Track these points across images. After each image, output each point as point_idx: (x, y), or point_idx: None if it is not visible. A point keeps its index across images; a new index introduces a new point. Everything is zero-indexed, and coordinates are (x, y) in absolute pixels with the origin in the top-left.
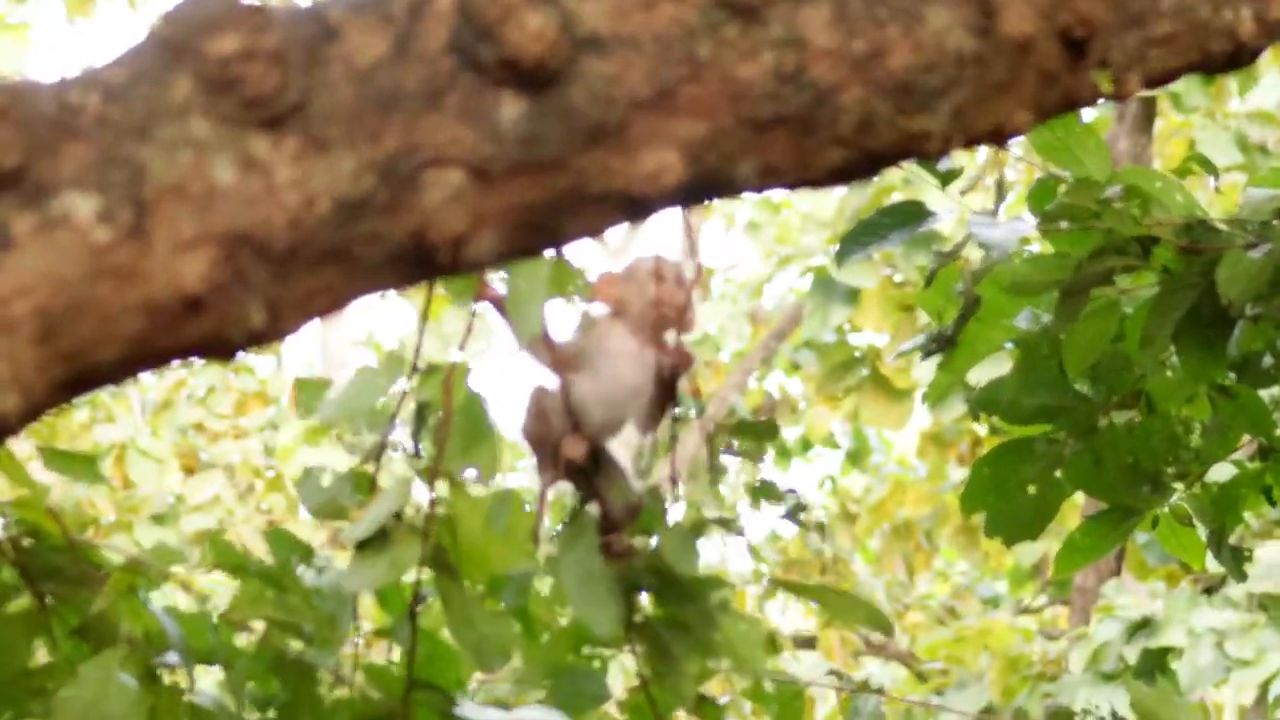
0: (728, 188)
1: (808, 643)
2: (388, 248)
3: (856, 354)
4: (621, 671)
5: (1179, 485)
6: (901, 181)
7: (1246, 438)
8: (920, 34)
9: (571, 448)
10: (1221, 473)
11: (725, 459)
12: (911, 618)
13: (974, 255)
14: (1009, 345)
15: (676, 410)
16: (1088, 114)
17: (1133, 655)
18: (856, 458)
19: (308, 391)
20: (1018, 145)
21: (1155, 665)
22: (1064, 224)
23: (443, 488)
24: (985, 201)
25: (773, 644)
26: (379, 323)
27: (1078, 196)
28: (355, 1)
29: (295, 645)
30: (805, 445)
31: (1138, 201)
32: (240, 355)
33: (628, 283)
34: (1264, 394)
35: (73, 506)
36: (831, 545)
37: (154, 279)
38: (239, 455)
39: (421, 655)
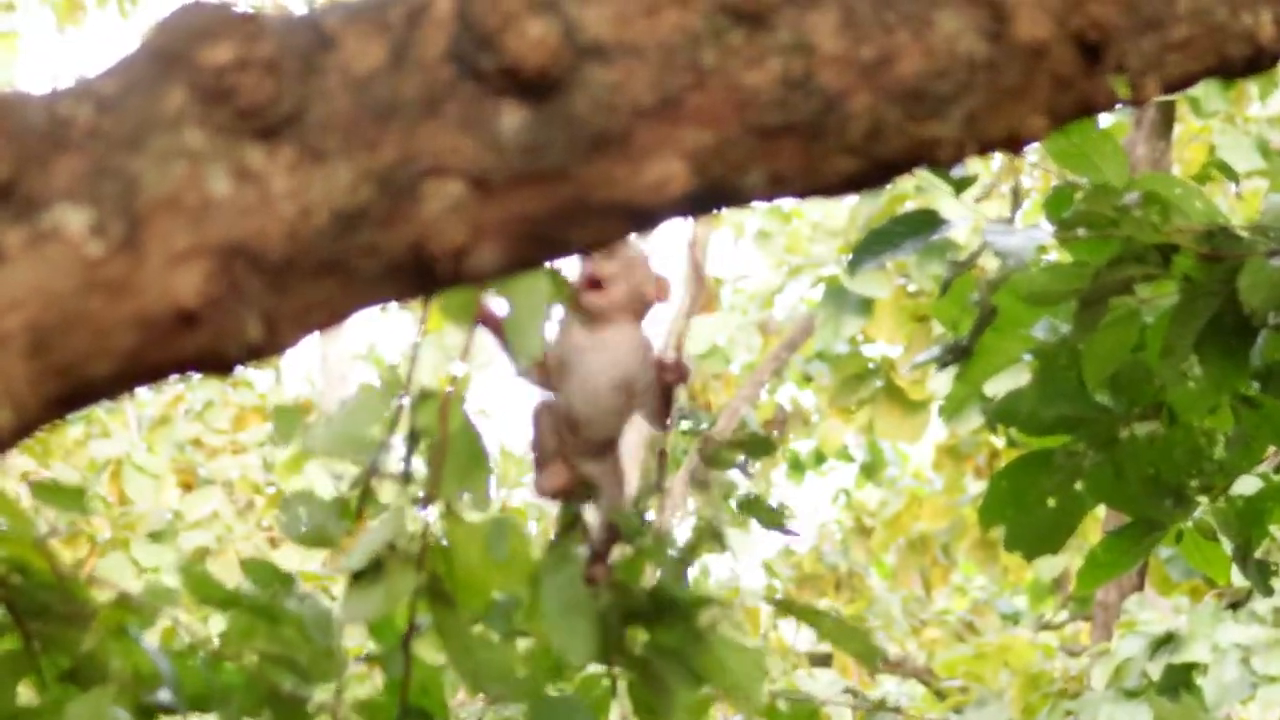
0: (735, 197)
1: (823, 660)
2: (386, 260)
3: (870, 365)
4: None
5: (1203, 498)
6: (914, 189)
7: (1272, 449)
8: (930, 39)
9: (550, 478)
10: (1246, 485)
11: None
12: (929, 634)
13: (990, 264)
14: (1027, 356)
15: (683, 423)
16: (1104, 119)
17: (1156, 672)
18: (871, 471)
19: (285, 418)
20: (1033, 152)
21: (1180, 682)
22: (1081, 232)
23: (437, 514)
24: (1000, 209)
25: (788, 661)
26: (380, 336)
27: (1095, 204)
28: (351, 9)
29: (286, 679)
30: (819, 458)
31: (1157, 208)
32: (238, 369)
33: (607, 281)
34: None
35: (68, 525)
36: (846, 560)
37: (148, 292)
38: (238, 471)
39: (413, 683)
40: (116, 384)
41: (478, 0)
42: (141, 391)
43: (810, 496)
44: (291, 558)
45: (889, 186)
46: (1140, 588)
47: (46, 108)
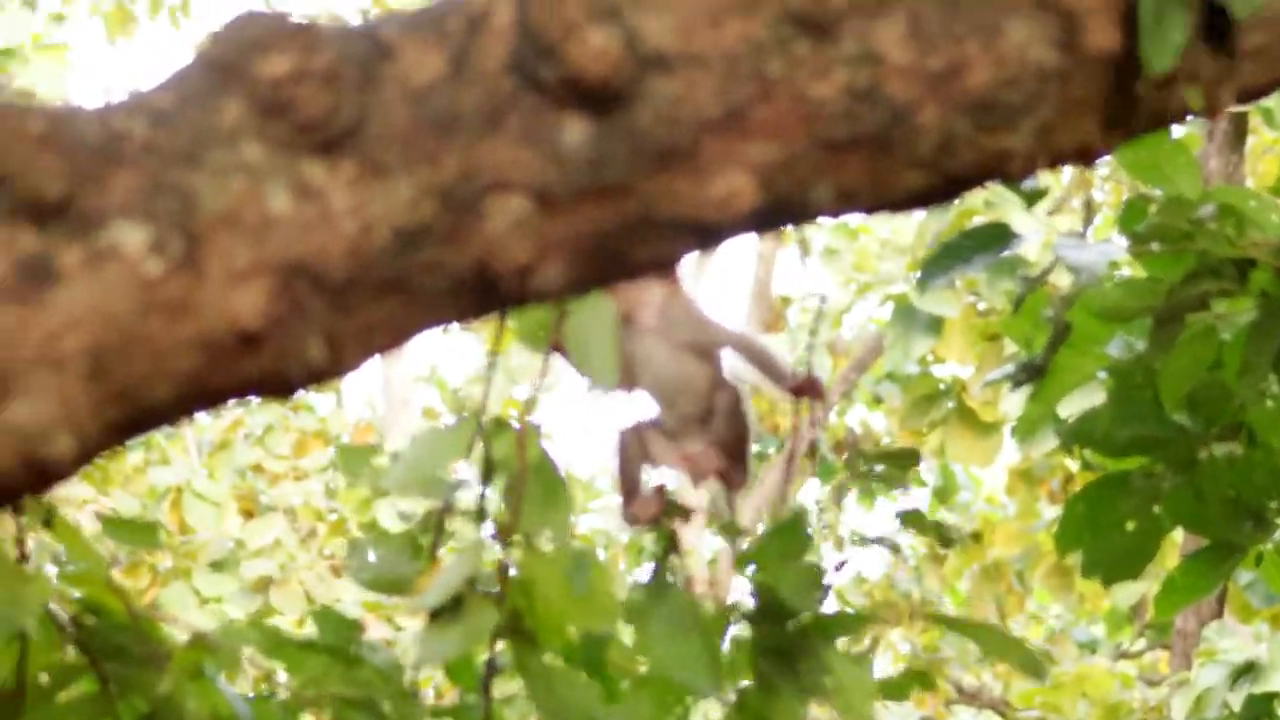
0: (802, 213)
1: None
2: (450, 278)
3: (941, 386)
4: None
5: None
6: (983, 204)
7: None
8: (1000, 48)
9: (642, 506)
10: None
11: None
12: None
13: (1062, 280)
14: (1102, 374)
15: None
16: (1176, 131)
17: (1237, 702)
18: (943, 495)
19: (352, 458)
20: (1105, 164)
21: (1262, 712)
22: (1156, 246)
23: (516, 551)
24: (1073, 223)
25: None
26: (443, 358)
27: (1169, 217)
28: (409, 18)
29: None
30: (889, 483)
31: (1232, 221)
32: (299, 393)
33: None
34: None
35: (128, 555)
36: (919, 587)
37: (208, 313)
38: (300, 498)
39: None
40: (177, 408)
41: (538, 9)
42: (201, 416)
43: (881, 522)
44: (355, 588)
45: (958, 201)
46: (1220, 614)
47: (100, 122)
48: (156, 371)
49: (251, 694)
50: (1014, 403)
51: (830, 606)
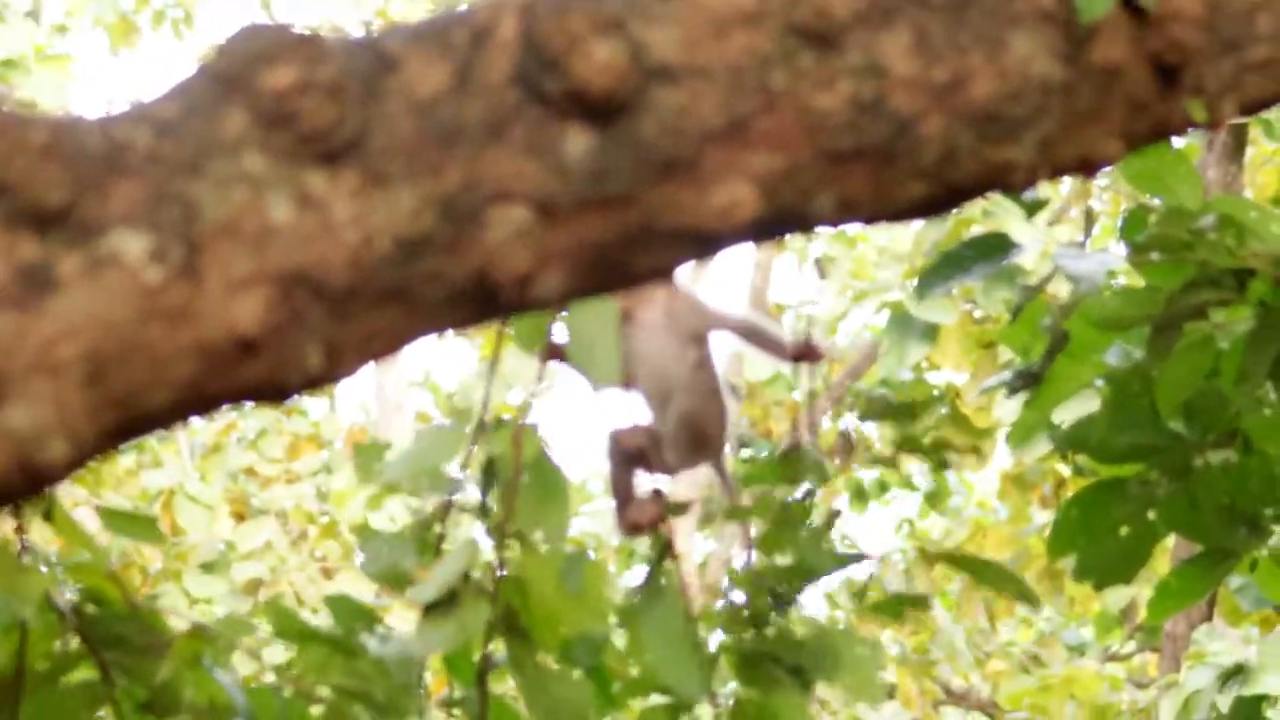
0: (804, 222)
1: (887, 692)
2: (450, 287)
3: (935, 393)
4: None
5: (1278, 527)
6: (981, 213)
7: None
8: (1004, 61)
9: (640, 511)
10: None
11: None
12: (993, 665)
13: (1061, 289)
14: (1098, 382)
15: (744, 451)
16: (1176, 142)
17: (1226, 704)
18: (935, 500)
19: (366, 455)
20: (1104, 175)
21: (1250, 714)
22: (1155, 255)
23: (512, 548)
24: (1071, 233)
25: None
26: (437, 363)
27: (1169, 227)
28: (413, 31)
29: (364, 715)
30: (882, 487)
31: (1232, 232)
32: (293, 398)
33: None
34: None
35: (119, 556)
36: (910, 590)
37: (207, 320)
38: (291, 501)
39: None
40: (174, 414)
41: (543, 22)
42: (194, 420)
43: (873, 526)
44: (346, 589)
45: (957, 211)
46: (1209, 618)
47: (103, 132)
48: (154, 378)
49: (253, 685)
50: (1007, 409)
51: (820, 609)
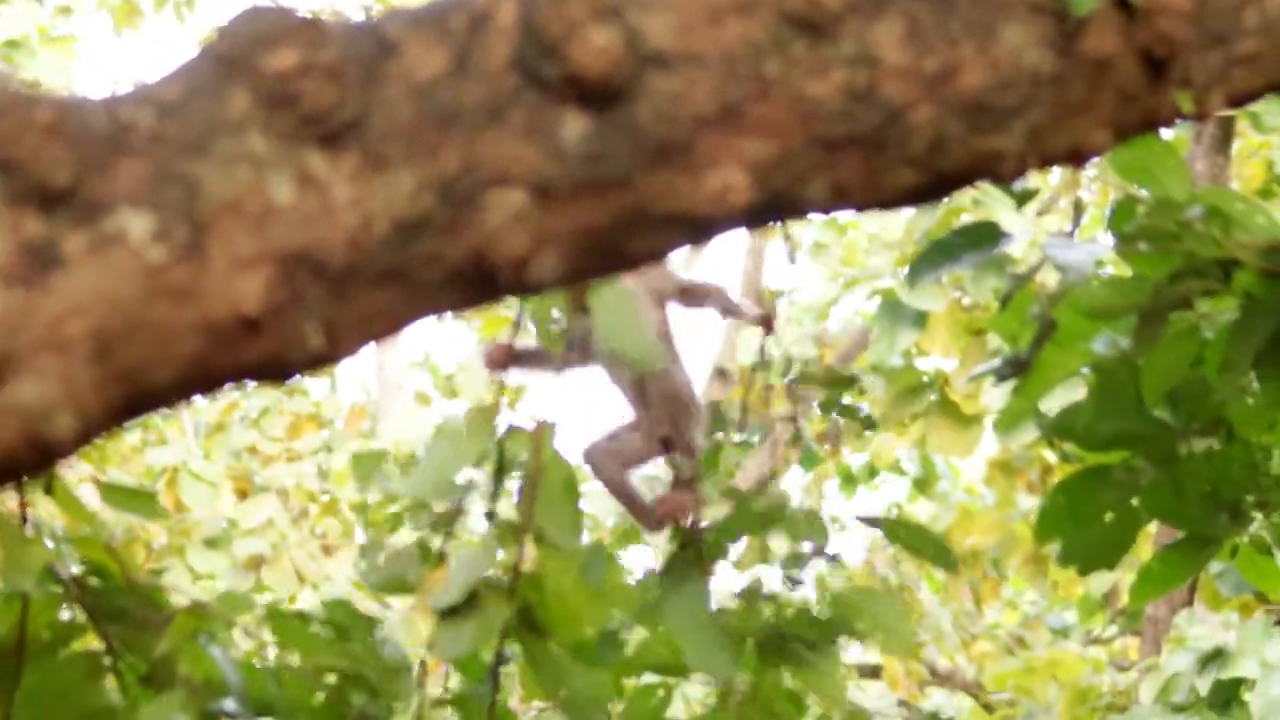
0: (796, 209)
1: (873, 672)
2: (448, 268)
3: (924, 379)
4: (684, 699)
5: (1259, 514)
6: (971, 202)
7: None
8: (995, 51)
9: (670, 505)
10: None
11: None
12: (979, 647)
13: (1049, 278)
14: (1085, 370)
15: (736, 436)
16: (1164, 133)
17: (1205, 687)
18: (923, 485)
19: (364, 464)
20: (1093, 165)
21: (1228, 697)
22: (1143, 246)
23: (528, 547)
24: (1060, 223)
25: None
26: (436, 344)
27: (1157, 218)
28: (413, 16)
29: (360, 699)
30: (871, 472)
31: (1218, 223)
32: (295, 377)
33: None
34: None
35: (124, 531)
36: (897, 573)
37: (210, 299)
38: (293, 479)
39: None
40: (178, 391)
41: (541, 8)
42: (198, 398)
43: (862, 510)
44: (345, 567)
45: (947, 199)
46: (1190, 603)
47: (107, 112)
48: (158, 355)
49: (253, 661)
50: (995, 396)
51: (811, 593)
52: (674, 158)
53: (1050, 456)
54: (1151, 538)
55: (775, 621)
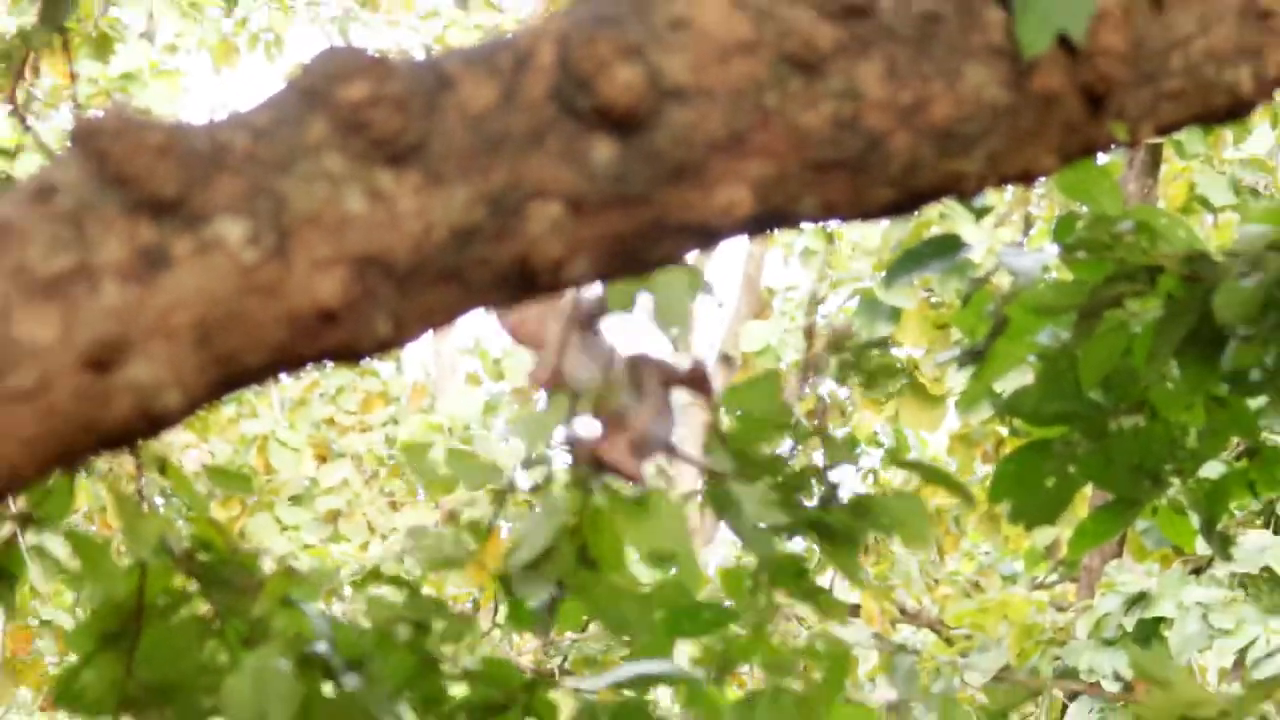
0: (791, 220)
1: (851, 610)
2: (496, 270)
3: (898, 365)
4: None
5: (1176, 480)
6: (938, 215)
7: (1235, 440)
8: (960, 88)
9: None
10: (1213, 470)
11: None
12: (941, 591)
13: (1003, 281)
14: (1032, 359)
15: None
16: (1102, 158)
17: (1130, 625)
18: (896, 454)
19: (414, 454)
20: (1041, 185)
21: (1150, 633)
22: (1081, 254)
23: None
24: (1012, 234)
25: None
26: (485, 332)
27: (1094, 230)
28: (467, 54)
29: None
30: (852, 443)
31: (1146, 235)
32: (366, 360)
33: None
34: (1251, 403)
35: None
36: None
37: (295, 294)
38: (364, 446)
39: None
40: (267, 371)
41: (575, 49)
42: (284, 377)
43: (844, 476)
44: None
45: (918, 213)
46: (1119, 554)
47: (208, 135)
48: (251, 341)
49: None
50: (958, 380)
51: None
52: (688, 177)
53: (1002, 431)
54: (1087, 500)
55: (809, 514)
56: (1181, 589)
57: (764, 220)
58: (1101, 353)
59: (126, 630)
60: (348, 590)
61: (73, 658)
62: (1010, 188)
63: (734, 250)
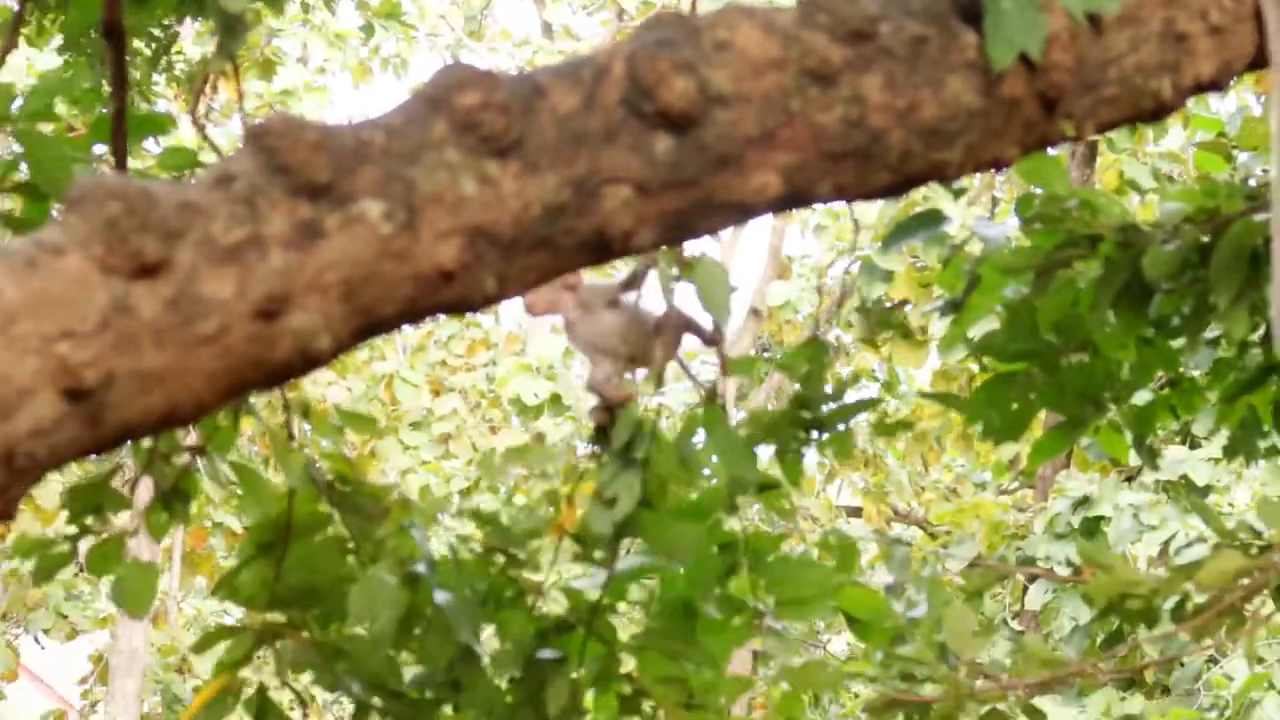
0: (810, 199)
1: (855, 512)
2: (579, 239)
3: (898, 319)
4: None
5: (1113, 405)
6: (922, 197)
7: (1160, 373)
8: (943, 95)
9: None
10: (1142, 397)
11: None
12: (926, 496)
13: (975, 247)
14: (999, 309)
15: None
16: (1052, 150)
17: (1077, 522)
18: (889, 387)
19: (487, 466)
20: (1005, 172)
21: (1093, 529)
22: (1038, 225)
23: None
24: (982, 210)
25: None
26: None
27: (1047, 207)
28: (556, 70)
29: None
30: (855, 378)
31: (1088, 211)
32: (473, 313)
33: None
34: (1173, 343)
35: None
36: (873, 446)
37: (421, 259)
38: (470, 383)
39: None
40: (397, 321)
41: (641, 65)
42: (407, 327)
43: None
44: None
45: (908, 194)
46: (1067, 466)
47: (353, 134)
48: (385, 297)
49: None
50: (939, 327)
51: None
52: (729, 165)
53: (974, 368)
54: (1041, 422)
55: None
56: (1117, 493)
57: (789, 200)
58: (1054, 304)
59: (277, 543)
60: (456, 499)
61: (234, 560)
62: (981, 174)
63: (761, 224)
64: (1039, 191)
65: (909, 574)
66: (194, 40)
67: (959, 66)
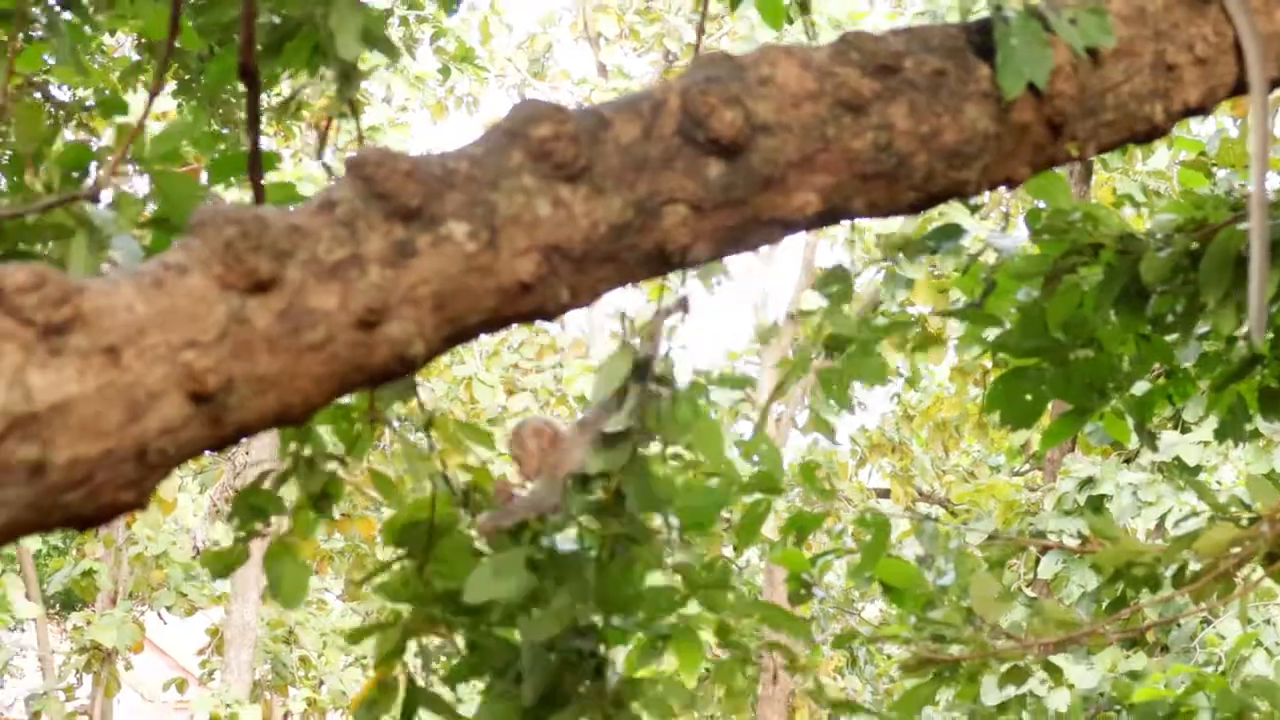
0: (845, 216)
1: (884, 494)
2: (642, 254)
3: (912, 317)
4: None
5: (1115, 395)
6: (938, 213)
7: (1157, 365)
8: (962, 121)
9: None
10: (1141, 387)
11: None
12: (948, 479)
13: (990, 256)
14: (1013, 310)
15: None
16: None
17: (1082, 500)
18: (913, 382)
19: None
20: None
21: (1096, 506)
22: (1046, 236)
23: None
24: (996, 223)
25: (864, 494)
26: (626, 300)
27: (1054, 219)
28: (618, 104)
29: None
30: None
31: (1090, 222)
32: (548, 320)
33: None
34: (1168, 339)
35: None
36: (899, 434)
37: (502, 273)
38: (539, 383)
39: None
40: (482, 328)
41: (694, 98)
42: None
43: (876, 398)
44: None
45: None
46: (1073, 449)
47: (440, 163)
48: (471, 307)
49: None
50: (956, 328)
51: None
52: (773, 186)
53: (989, 364)
54: (1050, 410)
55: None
56: (1118, 473)
57: (826, 216)
58: (1062, 305)
59: (424, 536)
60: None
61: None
62: (994, 191)
63: (795, 239)
64: (1045, 206)
65: (938, 547)
66: (314, 91)
67: (975, 96)
